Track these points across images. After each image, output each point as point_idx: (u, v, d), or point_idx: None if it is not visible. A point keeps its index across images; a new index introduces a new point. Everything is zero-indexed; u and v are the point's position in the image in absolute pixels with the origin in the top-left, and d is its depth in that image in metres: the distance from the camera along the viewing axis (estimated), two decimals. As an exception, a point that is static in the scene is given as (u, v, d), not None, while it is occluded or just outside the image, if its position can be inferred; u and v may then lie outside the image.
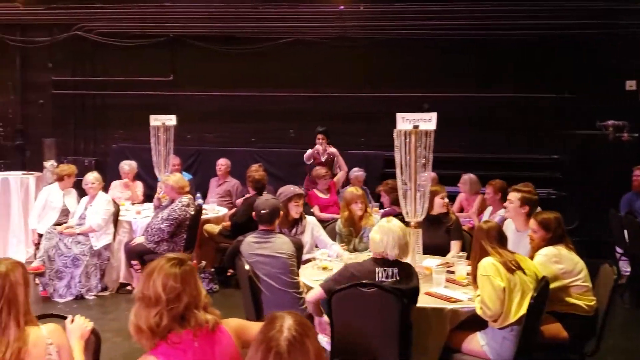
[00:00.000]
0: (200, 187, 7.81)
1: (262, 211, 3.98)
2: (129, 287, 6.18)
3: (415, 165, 4.06)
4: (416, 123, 4.02)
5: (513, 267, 3.34)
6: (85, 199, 6.34)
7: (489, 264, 3.36)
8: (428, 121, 4.01)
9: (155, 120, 6.89)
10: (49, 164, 7.79)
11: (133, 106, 8.91)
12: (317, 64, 8.66)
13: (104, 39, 8.87)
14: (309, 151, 7.53)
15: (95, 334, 2.71)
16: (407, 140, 4.05)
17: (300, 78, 8.72)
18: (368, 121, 8.46)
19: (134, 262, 5.96)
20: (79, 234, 6.03)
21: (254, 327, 2.39)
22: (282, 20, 8.42)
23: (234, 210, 7.25)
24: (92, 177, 6.25)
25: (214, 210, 7.04)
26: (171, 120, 6.87)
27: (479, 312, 3.37)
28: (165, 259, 2.16)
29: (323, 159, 7.47)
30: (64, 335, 2.42)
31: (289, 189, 4.86)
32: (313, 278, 4.03)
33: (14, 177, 7.63)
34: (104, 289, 6.12)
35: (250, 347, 1.64)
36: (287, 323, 1.63)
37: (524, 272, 3.38)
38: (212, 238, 6.52)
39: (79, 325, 2.61)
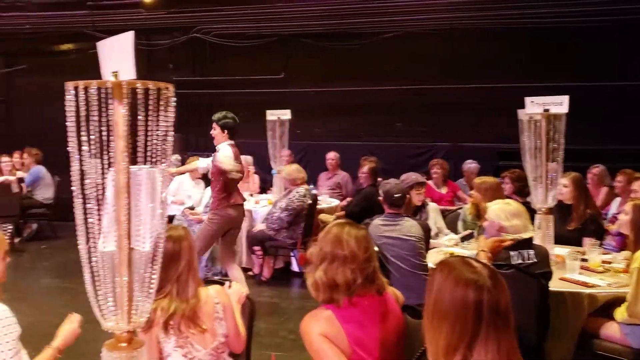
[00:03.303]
0: (309, 180, 8.04)
1: (395, 195, 4.07)
2: (250, 273, 6.48)
3: (546, 151, 4.00)
4: (547, 107, 3.96)
5: None
6: (209, 188, 6.73)
7: None
8: (559, 104, 3.94)
9: (272, 115, 7.21)
10: (174, 158, 8.33)
11: (247, 103, 9.30)
12: (425, 56, 8.65)
13: (221, 40, 9.33)
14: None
15: (250, 300, 2.92)
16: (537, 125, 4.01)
17: (408, 71, 8.73)
18: (480, 113, 8.34)
19: (256, 248, 6.27)
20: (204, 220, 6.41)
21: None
22: (390, 14, 8.49)
23: (345, 201, 7.44)
24: (217, 168, 6.60)
25: (327, 201, 7.24)
26: (286, 114, 7.17)
27: (621, 315, 3.26)
28: (344, 223, 2.33)
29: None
30: (228, 296, 2.62)
31: (411, 177, 4.92)
32: (440, 262, 4.08)
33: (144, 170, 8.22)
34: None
35: (444, 293, 1.69)
36: (475, 264, 1.69)
37: None
38: (327, 227, 6.69)
39: (236, 291, 2.82)
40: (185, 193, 7.19)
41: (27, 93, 10.61)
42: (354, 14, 8.66)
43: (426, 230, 4.12)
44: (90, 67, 7.97)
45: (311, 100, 9.15)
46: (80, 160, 1.64)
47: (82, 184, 1.65)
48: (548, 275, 3.32)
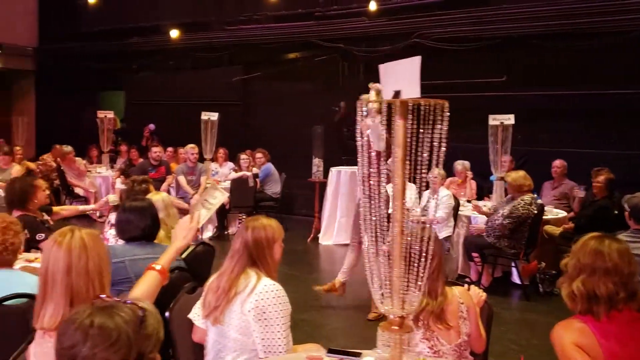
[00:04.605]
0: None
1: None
2: (467, 279, 6.44)
3: None
4: None
5: None
6: (427, 192, 6.83)
7: None
8: None
9: (494, 120, 7.08)
10: (389, 160, 8.61)
11: (465, 108, 9.18)
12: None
13: (440, 44, 9.35)
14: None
15: (488, 304, 2.96)
16: None
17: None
18: None
19: (474, 254, 6.21)
20: (422, 222, 6.53)
21: None
22: (633, 12, 7.72)
23: (571, 213, 7.01)
24: (436, 172, 6.69)
25: (552, 212, 6.88)
26: (509, 119, 6.98)
27: None
28: (603, 236, 2.29)
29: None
30: (471, 298, 2.71)
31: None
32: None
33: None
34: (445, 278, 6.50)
35: None
36: None
37: None
38: (553, 240, 6.38)
39: (476, 293, 2.88)
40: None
41: (260, 98, 11.79)
42: (587, 13, 8.04)
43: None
44: (314, 74, 8.71)
45: (535, 104, 8.71)
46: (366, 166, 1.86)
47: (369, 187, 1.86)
48: None
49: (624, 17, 7.79)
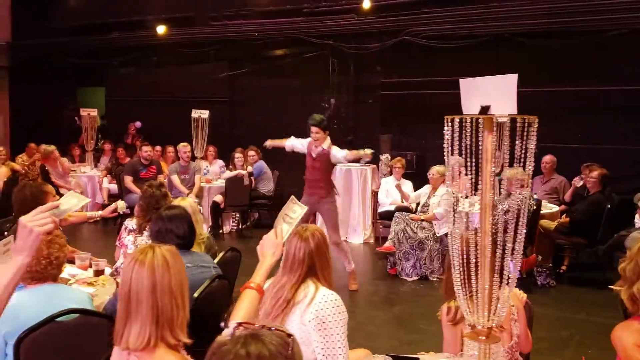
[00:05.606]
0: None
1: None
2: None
3: None
4: None
5: None
6: (427, 188, 6.98)
7: None
8: None
9: (489, 118, 7.23)
10: (384, 157, 8.71)
11: (456, 104, 9.35)
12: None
13: (430, 42, 9.45)
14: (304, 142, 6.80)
15: (528, 303, 3.09)
16: None
17: (636, 71, 8.15)
18: None
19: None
20: (422, 220, 6.69)
21: None
22: (618, 11, 7.97)
23: (563, 207, 7.24)
24: (435, 170, 6.84)
25: (546, 206, 7.10)
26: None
27: None
28: None
29: (314, 155, 6.57)
30: (518, 299, 2.83)
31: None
32: None
33: (355, 168, 8.74)
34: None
35: None
36: None
37: None
38: (548, 234, 6.59)
39: (517, 294, 3.00)
40: (391, 193, 7.58)
41: (248, 94, 11.70)
42: (575, 11, 8.26)
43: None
44: (304, 71, 8.80)
45: (526, 101, 8.83)
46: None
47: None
48: None
49: (605, 17, 8.04)
